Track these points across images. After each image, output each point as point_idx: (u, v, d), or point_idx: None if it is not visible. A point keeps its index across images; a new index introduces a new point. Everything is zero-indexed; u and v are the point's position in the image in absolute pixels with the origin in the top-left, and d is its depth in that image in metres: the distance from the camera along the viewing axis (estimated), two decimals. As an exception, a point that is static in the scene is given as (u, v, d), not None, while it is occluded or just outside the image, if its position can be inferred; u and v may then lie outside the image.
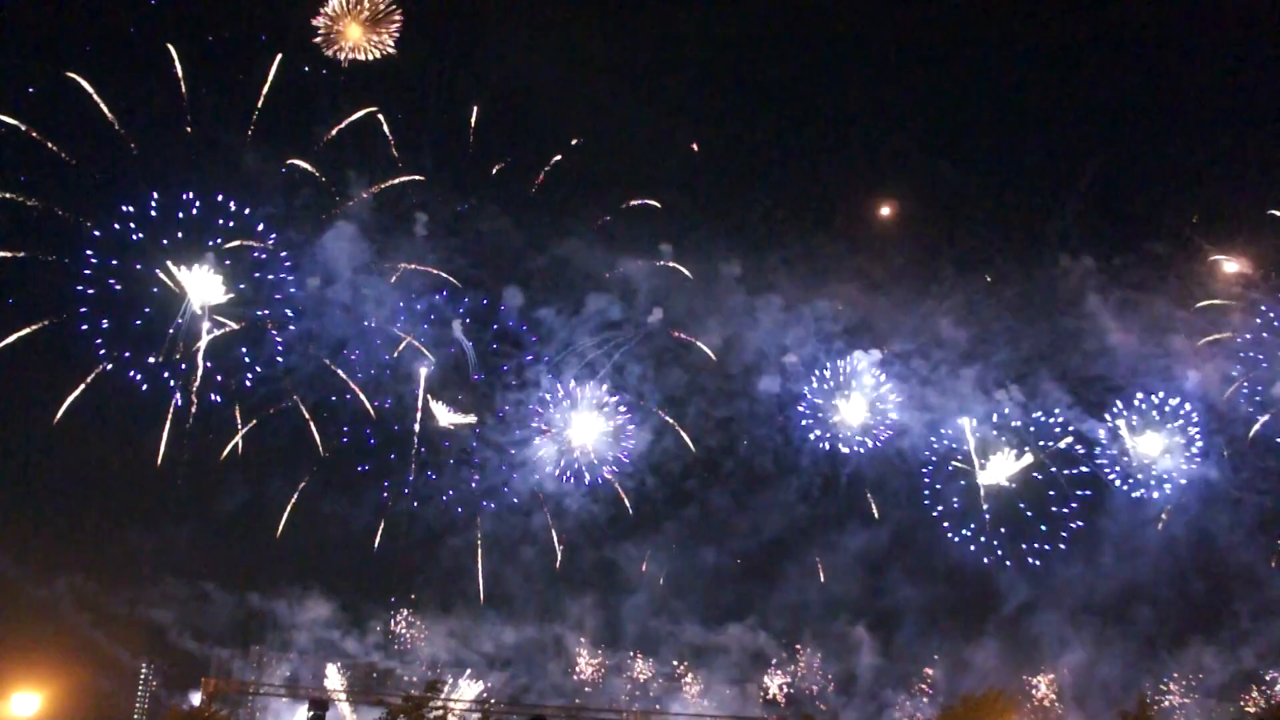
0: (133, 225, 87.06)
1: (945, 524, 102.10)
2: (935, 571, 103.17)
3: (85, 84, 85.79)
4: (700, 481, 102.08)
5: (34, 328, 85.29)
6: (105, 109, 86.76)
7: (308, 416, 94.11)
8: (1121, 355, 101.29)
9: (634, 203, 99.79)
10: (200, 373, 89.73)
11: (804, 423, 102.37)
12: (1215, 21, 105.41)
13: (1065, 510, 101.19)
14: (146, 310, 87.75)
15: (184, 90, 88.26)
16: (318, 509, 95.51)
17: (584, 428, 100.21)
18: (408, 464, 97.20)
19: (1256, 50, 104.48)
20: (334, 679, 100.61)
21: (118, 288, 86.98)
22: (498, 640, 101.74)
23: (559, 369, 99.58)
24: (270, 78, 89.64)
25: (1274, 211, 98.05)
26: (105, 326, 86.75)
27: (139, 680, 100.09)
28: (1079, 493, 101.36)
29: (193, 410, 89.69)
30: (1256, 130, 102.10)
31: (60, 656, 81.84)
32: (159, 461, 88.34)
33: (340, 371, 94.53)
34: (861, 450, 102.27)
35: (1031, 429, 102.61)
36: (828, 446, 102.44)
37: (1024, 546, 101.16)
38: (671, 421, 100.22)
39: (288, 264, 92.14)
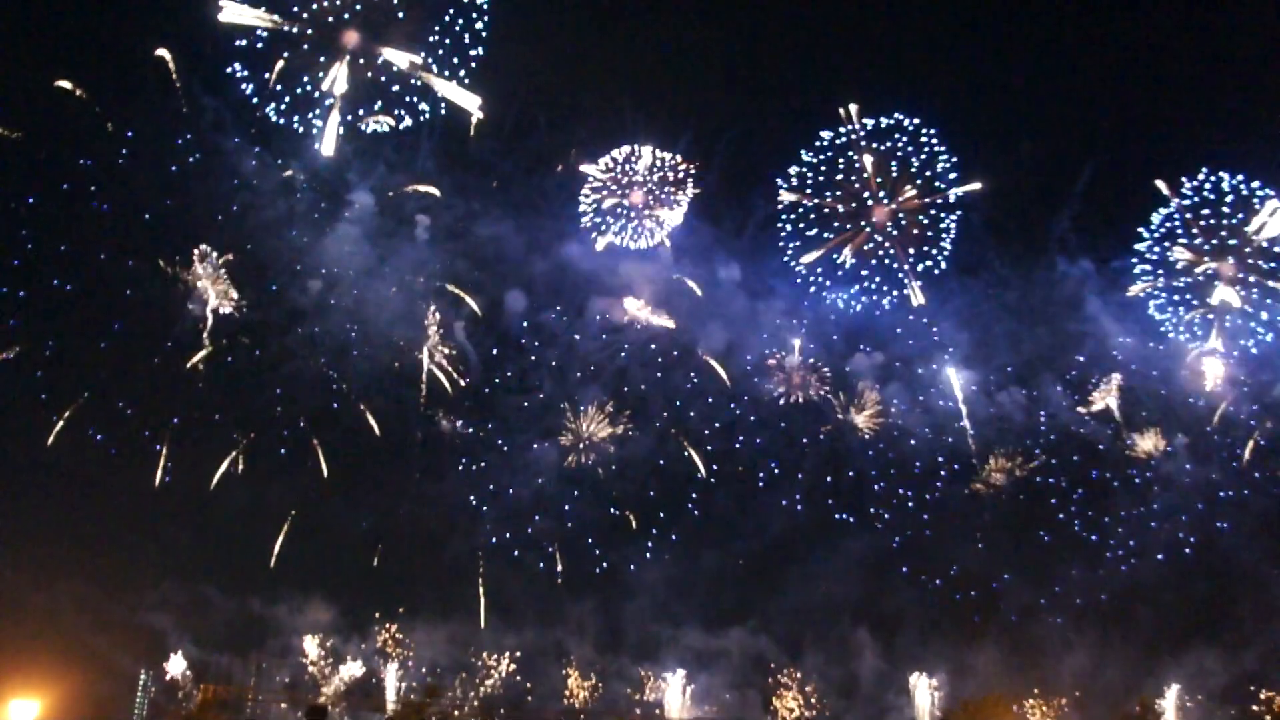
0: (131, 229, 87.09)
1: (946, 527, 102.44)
2: (936, 574, 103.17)
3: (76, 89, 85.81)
4: (702, 486, 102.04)
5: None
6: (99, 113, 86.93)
7: (309, 421, 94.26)
8: (1122, 355, 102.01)
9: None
10: (201, 378, 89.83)
11: (806, 425, 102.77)
12: (1215, 21, 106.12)
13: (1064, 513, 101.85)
14: (146, 313, 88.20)
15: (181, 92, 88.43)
16: (318, 515, 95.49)
17: (585, 431, 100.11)
18: (409, 469, 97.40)
19: (1257, 50, 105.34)
20: (333, 685, 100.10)
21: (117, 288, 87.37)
22: (498, 645, 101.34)
23: (561, 373, 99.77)
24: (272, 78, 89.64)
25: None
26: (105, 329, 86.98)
27: (137, 687, 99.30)
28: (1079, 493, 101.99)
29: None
30: (1257, 130, 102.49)
31: (58, 663, 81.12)
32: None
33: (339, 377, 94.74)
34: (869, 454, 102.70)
35: (1032, 430, 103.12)
36: (830, 449, 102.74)
37: (1025, 549, 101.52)
38: (675, 432, 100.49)
39: (289, 268, 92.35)
